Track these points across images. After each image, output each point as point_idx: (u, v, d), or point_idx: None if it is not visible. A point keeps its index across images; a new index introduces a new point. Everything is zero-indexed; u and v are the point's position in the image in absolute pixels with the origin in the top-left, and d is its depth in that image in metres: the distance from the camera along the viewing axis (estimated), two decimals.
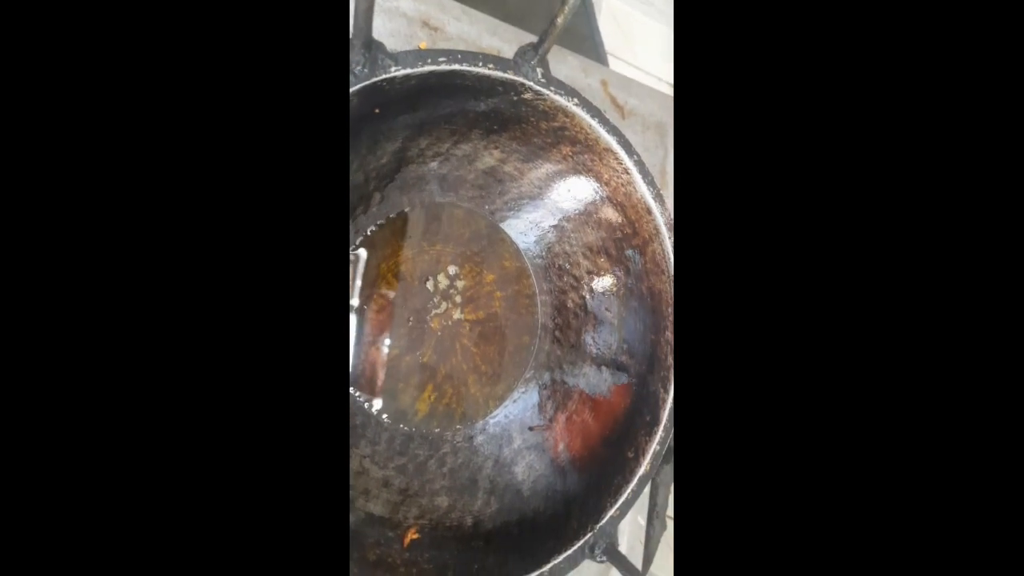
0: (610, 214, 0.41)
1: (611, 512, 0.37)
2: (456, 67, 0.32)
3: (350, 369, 0.39)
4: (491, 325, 0.44)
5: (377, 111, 0.32)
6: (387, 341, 0.40)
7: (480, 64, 0.33)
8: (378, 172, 0.37)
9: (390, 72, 0.30)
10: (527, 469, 0.41)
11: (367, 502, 0.34)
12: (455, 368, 0.42)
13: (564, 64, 0.50)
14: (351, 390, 0.39)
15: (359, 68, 0.29)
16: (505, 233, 0.44)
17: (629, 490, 0.37)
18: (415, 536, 0.34)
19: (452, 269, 0.42)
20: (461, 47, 0.45)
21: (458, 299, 0.42)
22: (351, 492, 0.34)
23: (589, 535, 0.36)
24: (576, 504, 0.38)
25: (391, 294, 0.40)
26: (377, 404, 0.39)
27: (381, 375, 0.40)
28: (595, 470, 0.40)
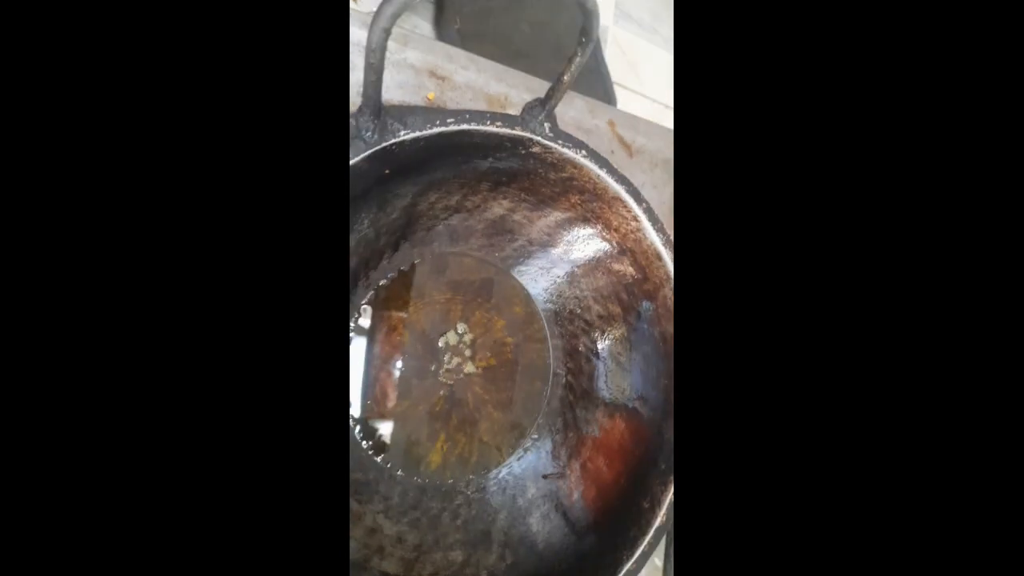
0: (620, 261, 0.41)
1: (627, 566, 0.36)
2: (464, 127, 0.32)
3: (359, 421, 0.39)
4: (502, 371, 0.44)
5: (388, 172, 0.32)
6: (399, 393, 0.40)
7: (488, 123, 0.33)
8: (389, 227, 0.37)
9: (399, 136, 0.30)
10: (542, 520, 0.40)
11: (381, 560, 0.34)
12: (467, 416, 0.42)
13: (571, 107, 0.51)
14: (363, 445, 0.38)
15: (368, 134, 0.30)
16: (515, 280, 0.44)
17: (645, 542, 0.37)
18: None
19: (461, 327, 0.42)
20: (468, 95, 0.46)
21: (467, 352, 0.42)
22: (365, 551, 0.34)
23: None
24: (591, 558, 0.38)
25: (403, 345, 0.40)
26: (389, 457, 0.39)
27: (393, 427, 0.39)
28: (610, 521, 0.40)
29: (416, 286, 0.41)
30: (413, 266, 0.40)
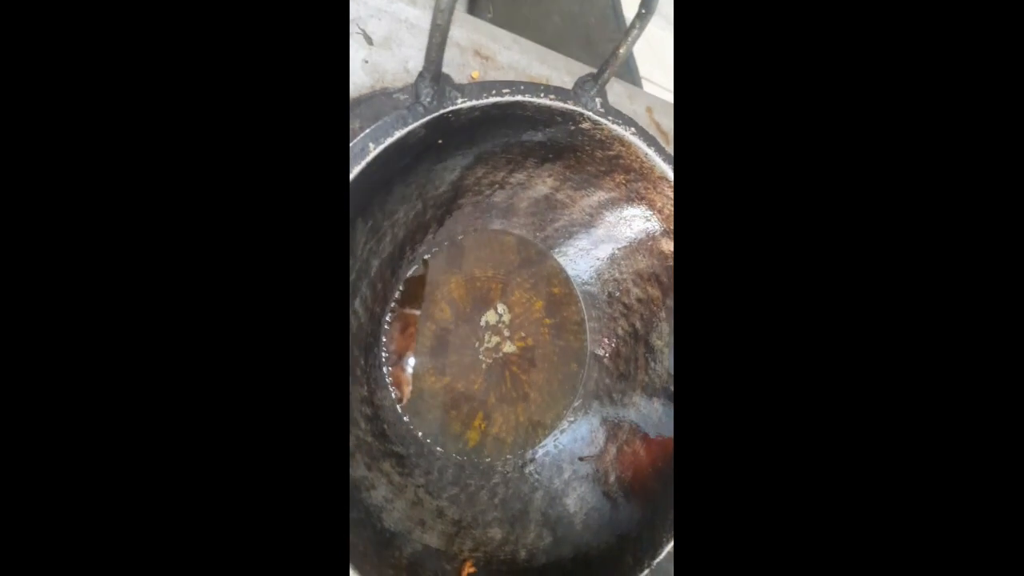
0: (662, 242, 0.41)
1: (668, 547, 0.36)
2: (519, 98, 0.32)
3: (405, 395, 0.39)
4: (540, 352, 0.43)
5: (440, 142, 0.32)
6: (438, 368, 0.40)
7: (542, 95, 0.33)
8: (435, 201, 0.37)
9: (456, 104, 0.30)
10: (579, 501, 0.40)
11: (423, 533, 0.34)
12: (505, 396, 0.42)
13: (610, 92, 0.50)
14: (404, 419, 0.38)
15: (428, 100, 0.30)
16: (555, 260, 0.44)
17: None
18: (472, 570, 0.33)
19: (500, 307, 0.42)
20: (511, 76, 0.46)
21: (506, 333, 0.42)
22: (408, 523, 0.34)
23: (646, 572, 0.35)
24: (630, 538, 0.37)
25: (444, 321, 0.40)
26: (429, 433, 0.39)
27: (433, 403, 0.39)
28: (649, 503, 0.39)
29: (459, 262, 0.40)
30: (457, 241, 0.40)
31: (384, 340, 0.38)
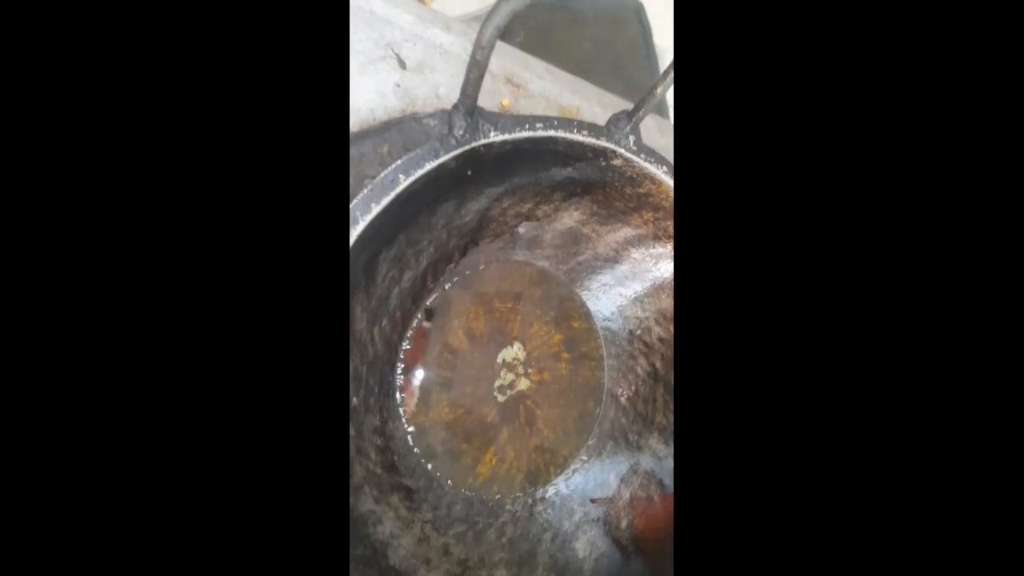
0: None
1: None
2: (552, 133, 0.32)
3: (412, 425, 0.38)
4: (556, 388, 0.42)
5: (469, 173, 0.32)
6: (452, 400, 0.39)
7: (575, 131, 0.33)
8: (460, 231, 0.37)
9: (489, 137, 0.30)
10: (588, 546, 0.39)
11: (428, 572, 0.33)
12: (517, 432, 0.41)
13: (640, 124, 0.50)
14: (416, 451, 0.37)
15: (460, 133, 0.29)
16: (576, 294, 0.43)
17: None
18: None
19: (516, 345, 0.41)
20: (542, 105, 0.45)
21: (521, 370, 0.41)
22: (413, 561, 0.33)
23: None
24: None
25: (461, 352, 0.39)
26: (439, 466, 0.38)
27: (445, 435, 0.38)
28: (661, 552, 0.38)
29: (479, 293, 0.40)
30: (479, 272, 0.40)
31: (400, 368, 0.37)
